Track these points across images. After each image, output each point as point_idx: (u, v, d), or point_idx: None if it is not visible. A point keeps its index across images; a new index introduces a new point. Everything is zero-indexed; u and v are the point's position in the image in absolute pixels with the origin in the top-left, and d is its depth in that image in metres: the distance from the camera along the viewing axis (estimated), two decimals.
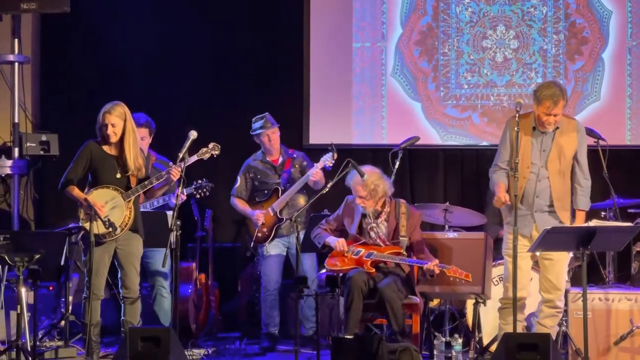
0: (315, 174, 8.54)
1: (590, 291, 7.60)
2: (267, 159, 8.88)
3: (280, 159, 8.89)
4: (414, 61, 9.95)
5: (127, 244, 7.46)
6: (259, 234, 8.73)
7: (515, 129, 7.17)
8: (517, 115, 7.18)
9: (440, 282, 7.93)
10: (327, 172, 8.56)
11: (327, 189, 8.07)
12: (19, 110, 9.65)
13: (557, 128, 7.36)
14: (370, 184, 7.78)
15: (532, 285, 7.65)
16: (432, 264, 7.60)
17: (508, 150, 7.41)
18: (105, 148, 7.46)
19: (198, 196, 8.61)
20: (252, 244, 8.78)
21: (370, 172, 7.82)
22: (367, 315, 7.79)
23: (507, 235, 7.41)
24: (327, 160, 8.49)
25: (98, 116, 7.42)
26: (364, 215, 7.89)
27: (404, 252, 7.77)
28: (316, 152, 9.31)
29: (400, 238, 7.80)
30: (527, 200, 7.34)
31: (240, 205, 8.86)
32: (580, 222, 7.39)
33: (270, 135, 8.81)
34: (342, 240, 7.84)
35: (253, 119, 8.86)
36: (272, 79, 10.03)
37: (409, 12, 9.95)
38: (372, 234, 7.85)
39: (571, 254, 8.10)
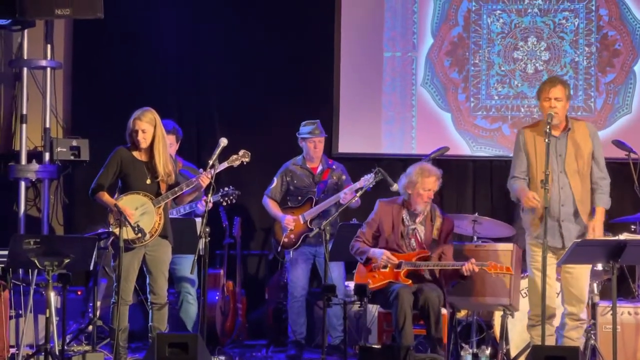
0: (344, 198, 8.50)
1: (619, 305, 7.55)
2: (307, 165, 8.90)
3: (320, 168, 8.91)
4: (445, 71, 9.94)
5: (157, 250, 7.48)
6: (286, 239, 8.75)
7: (546, 140, 7.10)
8: (547, 126, 7.12)
9: (469, 293, 7.91)
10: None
11: (357, 198, 8.09)
12: (51, 116, 9.73)
13: (569, 130, 7.30)
14: (437, 181, 7.77)
15: (559, 298, 7.61)
16: (470, 264, 7.54)
17: (524, 160, 7.35)
18: (135, 154, 7.48)
19: (225, 203, 8.63)
20: (280, 248, 8.80)
21: (437, 171, 7.79)
22: None
23: (533, 248, 7.36)
24: (368, 181, 8.39)
25: (128, 122, 7.44)
26: (402, 219, 7.84)
27: (433, 256, 7.72)
28: (345, 161, 9.32)
29: (432, 243, 7.75)
30: (553, 210, 7.28)
31: (272, 206, 8.88)
32: (599, 219, 7.30)
33: (317, 142, 8.84)
34: (387, 253, 7.73)
35: (303, 123, 8.89)
36: (303, 87, 10.03)
37: (440, 23, 9.94)
38: (413, 240, 7.79)
39: (600, 267, 8.07)
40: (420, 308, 7.52)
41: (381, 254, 7.72)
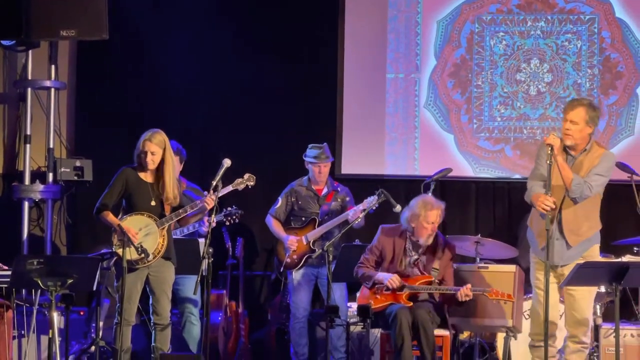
0: (353, 215, 8.48)
1: (622, 327, 7.54)
2: (312, 187, 8.91)
3: (325, 190, 8.92)
4: (447, 93, 9.96)
5: (160, 270, 7.50)
6: (288, 260, 8.76)
7: (547, 162, 7.03)
8: (549, 148, 7.09)
9: (471, 315, 7.90)
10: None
11: (360, 219, 8.10)
12: (54, 136, 9.74)
13: (584, 151, 7.24)
14: (441, 214, 7.74)
15: (562, 320, 7.59)
16: (465, 289, 7.53)
17: (544, 172, 7.21)
18: (141, 175, 7.51)
19: (227, 223, 8.63)
20: (282, 269, 8.81)
21: (440, 203, 7.76)
22: None
23: (536, 266, 7.31)
24: (371, 203, 8.39)
25: (138, 142, 7.47)
26: (404, 248, 7.82)
27: (436, 281, 7.72)
28: (348, 183, 9.33)
29: (432, 271, 7.74)
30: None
31: (276, 226, 8.90)
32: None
33: (322, 167, 8.85)
34: (395, 277, 7.70)
35: (309, 145, 8.90)
36: (306, 109, 10.05)
37: (443, 44, 9.97)
38: (415, 269, 7.76)
39: (602, 289, 8.06)
40: (413, 327, 7.52)
41: (389, 278, 7.69)
